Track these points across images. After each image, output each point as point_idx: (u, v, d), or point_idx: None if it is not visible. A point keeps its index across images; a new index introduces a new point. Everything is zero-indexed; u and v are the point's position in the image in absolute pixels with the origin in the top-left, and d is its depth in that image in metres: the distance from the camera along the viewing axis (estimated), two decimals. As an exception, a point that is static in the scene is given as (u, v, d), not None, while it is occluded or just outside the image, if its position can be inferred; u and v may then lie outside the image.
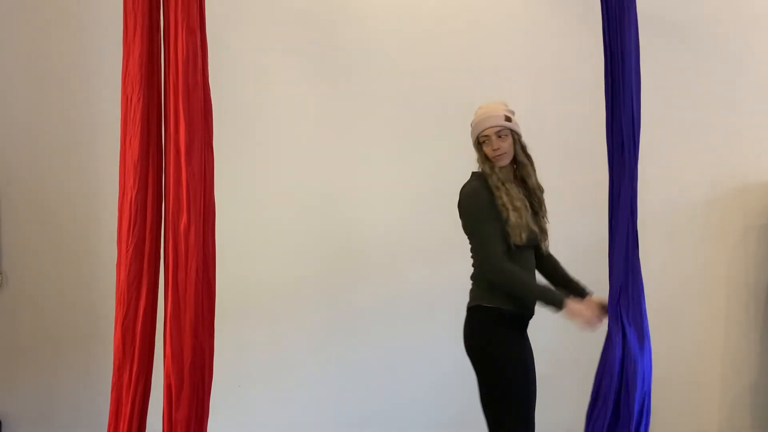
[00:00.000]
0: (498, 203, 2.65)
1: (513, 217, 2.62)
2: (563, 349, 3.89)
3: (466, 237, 4.07)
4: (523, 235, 2.62)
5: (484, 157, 2.75)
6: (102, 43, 3.91)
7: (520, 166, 2.76)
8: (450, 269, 3.94)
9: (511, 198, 2.66)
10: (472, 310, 2.80)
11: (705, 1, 3.89)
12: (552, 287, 2.74)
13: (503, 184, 2.68)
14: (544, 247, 2.77)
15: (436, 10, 3.95)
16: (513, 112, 2.78)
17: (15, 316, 3.95)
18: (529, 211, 2.69)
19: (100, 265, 3.85)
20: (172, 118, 2.64)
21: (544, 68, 3.95)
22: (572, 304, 2.61)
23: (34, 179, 3.96)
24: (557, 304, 2.61)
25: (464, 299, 3.93)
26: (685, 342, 3.89)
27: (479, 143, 2.77)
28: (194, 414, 2.66)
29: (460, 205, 2.75)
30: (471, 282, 2.83)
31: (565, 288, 2.79)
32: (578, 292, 2.78)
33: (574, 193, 3.85)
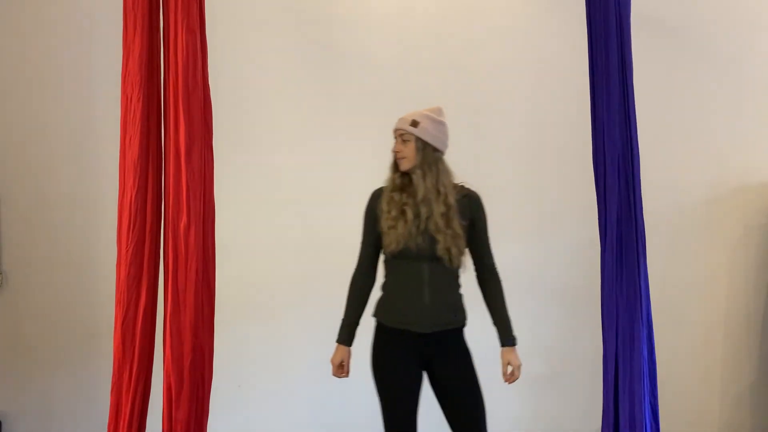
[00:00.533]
0: (378, 210, 2.66)
1: (386, 225, 2.62)
2: (564, 348, 3.89)
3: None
4: (394, 246, 2.58)
5: (393, 161, 2.75)
6: (102, 43, 3.91)
7: (413, 176, 2.66)
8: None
9: (390, 206, 2.63)
10: None
11: (705, 2, 3.89)
12: (352, 320, 2.78)
13: (390, 190, 2.67)
14: (452, 264, 2.65)
15: (433, 10, 3.95)
16: (436, 121, 2.70)
17: (15, 316, 3.95)
18: (411, 221, 2.59)
19: (99, 266, 3.85)
20: (172, 118, 2.64)
21: (543, 68, 3.95)
22: (335, 351, 2.79)
23: (34, 180, 3.96)
24: (337, 338, 2.79)
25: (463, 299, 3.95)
26: (685, 342, 3.89)
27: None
28: (194, 414, 2.67)
29: None
30: None
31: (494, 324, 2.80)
32: (500, 335, 2.85)
33: (573, 193, 3.85)
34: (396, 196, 2.63)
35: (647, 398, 3.02)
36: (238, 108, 3.91)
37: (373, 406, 3.96)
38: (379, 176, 3.97)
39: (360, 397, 3.95)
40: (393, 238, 2.57)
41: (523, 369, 3.92)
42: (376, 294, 2.75)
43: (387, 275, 2.71)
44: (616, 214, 3.01)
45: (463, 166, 3.95)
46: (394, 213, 2.60)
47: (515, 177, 3.92)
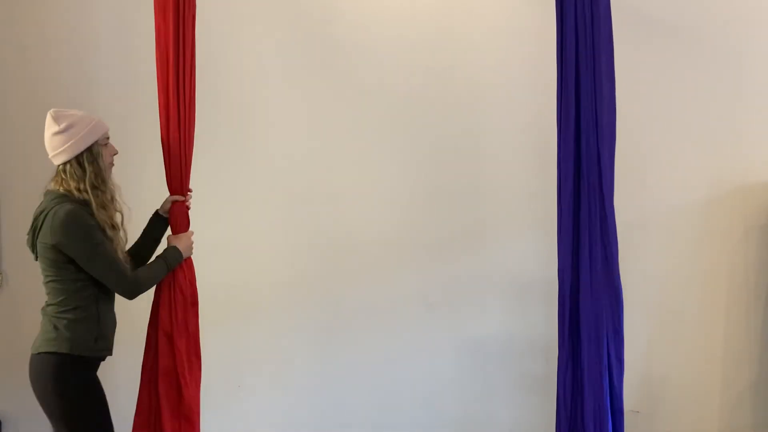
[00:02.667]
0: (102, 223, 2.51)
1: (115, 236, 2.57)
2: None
3: (461, 236, 4.09)
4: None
5: (97, 169, 2.52)
6: (102, 43, 3.92)
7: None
8: (448, 269, 3.95)
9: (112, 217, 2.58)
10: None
11: (705, 1, 3.89)
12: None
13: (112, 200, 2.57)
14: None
15: (432, 9, 3.95)
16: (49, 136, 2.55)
17: (15, 316, 3.95)
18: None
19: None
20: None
21: (544, 68, 3.94)
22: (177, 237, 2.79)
23: (34, 180, 3.94)
24: (175, 254, 2.73)
25: (462, 299, 3.95)
26: (685, 342, 3.89)
27: (91, 151, 2.51)
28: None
29: (59, 232, 2.42)
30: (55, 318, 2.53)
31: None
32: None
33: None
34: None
35: (609, 411, 2.99)
36: (233, 109, 3.91)
37: (372, 406, 3.98)
38: (379, 175, 3.99)
39: (359, 396, 3.95)
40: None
41: (524, 369, 3.94)
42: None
43: (93, 303, 2.53)
44: (572, 200, 2.99)
45: (463, 166, 3.97)
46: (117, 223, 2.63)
47: (515, 177, 3.92)
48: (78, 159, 2.48)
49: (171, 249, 2.75)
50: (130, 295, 2.56)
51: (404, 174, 3.95)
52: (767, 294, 3.87)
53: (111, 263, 2.48)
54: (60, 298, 2.49)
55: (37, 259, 2.53)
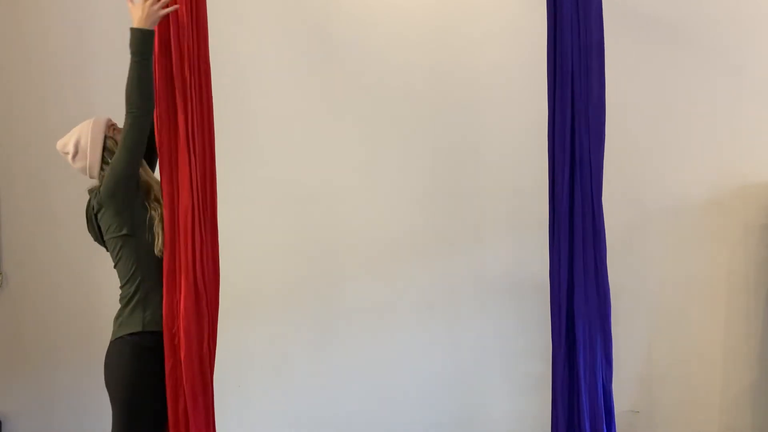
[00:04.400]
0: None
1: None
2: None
3: (461, 236, 4.09)
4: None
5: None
6: (103, 43, 3.92)
7: None
8: (446, 269, 3.95)
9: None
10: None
11: (704, 1, 3.89)
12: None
13: None
14: None
15: (433, 9, 3.95)
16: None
17: (15, 316, 3.95)
18: None
19: (99, 265, 3.84)
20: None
21: (543, 68, 3.94)
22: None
23: (34, 179, 3.96)
24: (145, 36, 2.47)
25: (461, 299, 3.96)
26: (685, 342, 3.89)
27: (107, 148, 2.60)
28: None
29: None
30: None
31: None
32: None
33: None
34: None
35: (603, 412, 2.99)
36: (237, 105, 3.90)
37: (371, 406, 3.98)
38: (379, 175, 3.99)
39: (358, 395, 3.95)
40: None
41: (523, 369, 3.95)
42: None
43: (157, 276, 2.55)
44: (567, 203, 2.99)
45: (463, 166, 3.97)
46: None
47: (515, 177, 3.92)
48: (104, 161, 2.60)
49: (131, 31, 2.49)
50: (137, 118, 2.46)
51: (403, 174, 3.95)
52: (767, 294, 3.87)
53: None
54: (128, 276, 2.54)
55: (108, 249, 2.63)
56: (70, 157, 2.61)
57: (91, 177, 2.63)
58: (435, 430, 3.95)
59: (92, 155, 2.58)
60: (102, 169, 2.59)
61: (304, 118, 3.95)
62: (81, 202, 3.90)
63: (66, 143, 2.62)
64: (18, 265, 3.95)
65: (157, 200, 2.61)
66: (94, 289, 3.90)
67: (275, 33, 3.95)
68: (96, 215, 2.58)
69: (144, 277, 2.54)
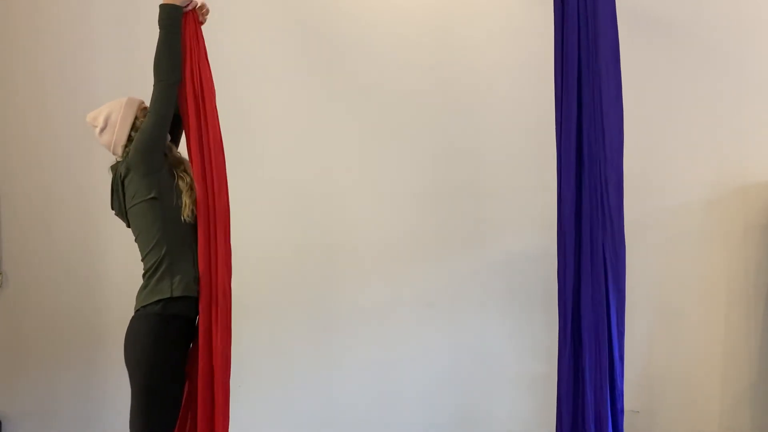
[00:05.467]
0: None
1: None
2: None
3: (462, 236, 4.09)
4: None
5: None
6: (104, 42, 3.92)
7: None
8: (448, 268, 3.95)
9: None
10: None
11: (705, 1, 3.89)
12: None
13: None
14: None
15: (433, 9, 3.95)
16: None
17: (15, 316, 3.95)
18: None
19: (100, 265, 3.85)
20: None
21: (544, 67, 3.94)
22: None
23: (34, 179, 3.96)
24: (171, 9, 2.57)
25: (462, 298, 3.96)
26: (685, 342, 3.89)
27: (135, 127, 2.65)
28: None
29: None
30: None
31: None
32: None
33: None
34: None
35: (610, 411, 2.99)
36: (229, 108, 3.90)
37: (371, 406, 3.98)
38: (380, 175, 3.99)
39: (359, 395, 3.95)
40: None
41: (524, 369, 3.94)
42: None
43: (184, 244, 2.61)
44: (573, 201, 2.99)
45: (464, 165, 3.97)
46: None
47: (515, 176, 3.92)
48: (130, 139, 2.62)
49: (159, 8, 2.59)
50: (166, 87, 2.56)
51: (404, 174, 3.95)
52: (767, 294, 3.87)
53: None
54: (152, 245, 2.56)
55: (128, 225, 2.65)
56: (98, 130, 2.64)
57: (114, 153, 2.66)
58: (435, 430, 3.95)
59: (120, 131, 2.62)
60: (126, 146, 2.62)
61: (304, 118, 3.96)
62: (81, 202, 3.92)
63: (96, 116, 2.65)
64: (18, 265, 3.95)
65: (186, 171, 2.67)
66: (95, 289, 3.90)
67: (276, 33, 3.95)
68: (123, 182, 2.59)
69: (169, 245, 2.56)
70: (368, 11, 3.95)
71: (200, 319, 2.63)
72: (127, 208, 2.61)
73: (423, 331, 3.94)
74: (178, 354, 2.58)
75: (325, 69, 3.96)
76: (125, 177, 2.58)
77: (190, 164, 2.69)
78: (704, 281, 3.89)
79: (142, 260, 2.62)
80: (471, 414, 3.95)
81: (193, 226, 2.64)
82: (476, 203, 3.93)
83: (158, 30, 2.59)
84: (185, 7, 2.63)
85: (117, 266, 3.87)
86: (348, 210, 3.97)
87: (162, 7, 2.60)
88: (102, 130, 2.63)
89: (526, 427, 3.88)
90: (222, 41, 3.85)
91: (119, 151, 2.63)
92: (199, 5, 2.70)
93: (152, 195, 2.54)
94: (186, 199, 2.61)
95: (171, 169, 2.64)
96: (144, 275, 2.60)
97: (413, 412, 3.94)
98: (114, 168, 2.67)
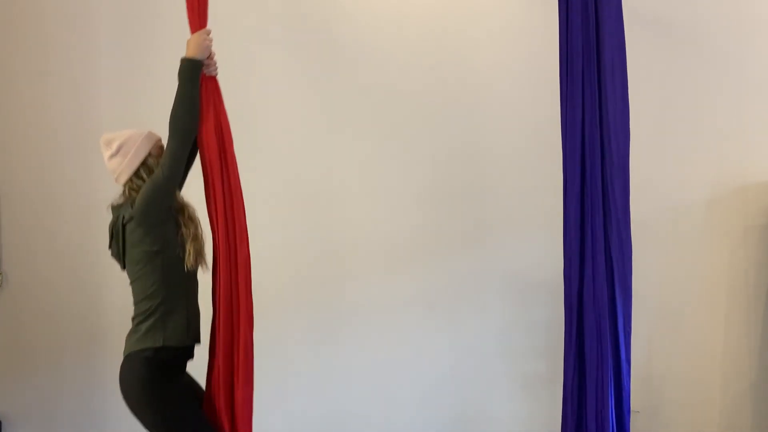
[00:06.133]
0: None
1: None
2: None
3: (463, 236, 4.09)
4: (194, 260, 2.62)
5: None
6: (104, 42, 3.92)
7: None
8: (449, 268, 3.95)
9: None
10: None
11: (705, 1, 3.89)
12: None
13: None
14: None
15: (433, 8, 3.95)
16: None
17: (15, 316, 3.95)
18: None
19: (100, 266, 3.85)
20: None
21: (545, 68, 3.94)
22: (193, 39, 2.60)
23: (34, 179, 3.96)
24: (194, 63, 2.57)
25: (460, 299, 3.96)
26: (685, 342, 3.89)
27: (147, 164, 2.61)
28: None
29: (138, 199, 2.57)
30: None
31: None
32: None
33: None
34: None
35: (613, 410, 2.99)
36: (238, 106, 3.89)
37: (371, 406, 3.98)
38: (381, 175, 3.99)
39: (359, 395, 3.95)
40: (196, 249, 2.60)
41: (526, 369, 3.94)
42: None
43: (181, 293, 2.59)
44: (578, 203, 2.99)
45: (466, 166, 3.97)
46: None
47: (517, 177, 3.92)
48: (137, 174, 2.59)
49: (181, 60, 2.59)
50: (183, 137, 2.54)
51: (406, 174, 3.95)
52: (767, 294, 3.88)
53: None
54: (148, 293, 2.53)
55: (124, 268, 2.62)
56: (109, 154, 2.60)
57: (116, 181, 2.62)
58: (435, 430, 3.95)
59: (130, 163, 2.58)
60: (130, 179, 2.58)
61: (304, 118, 3.95)
62: (81, 202, 3.92)
63: (111, 140, 2.61)
64: (18, 265, 3.94)
65: (191, 219, 2.63)
66: (95, 289, 3.90)
67: (277, 34, 3.95)
68: (125, 226, 2.55)
69: (165, 295, 2.53)
70: (369, 11, 3.95)
71: (220, 370, 2.59)
72: (126, 253, 2.58)
73: (423, 331, 3.94)
74: (177, 382, 2.58)
75: (326, 70, 3.96)
76: (128, 223, 2.54)
77: (193, 209, 2.66)
78: (704, 281, 3.89)
79: (135, 305, 2.59)
80: (471, 414, 3.95)
81: (194, 274, 2.62)
82: (477, 203, 3.93)
83: (177, 80, 2.57)
84: (205, 60, 2.63)
85: (117, 266, 3.86)
86: (348, 210, 3.97)
87: (182, 60, 2.58)
88: (112, 155, 2.59)
89: (526, 427, 3.88)
90: (223, 42, 3.85)
91: (122, 180, 2.60)
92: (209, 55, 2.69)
93: (156, 248, 2.52)
94: (189, 248, 2.56)
95: (175, 216, 2.59)
96: (134, 319, 2.58)
97: (413, 412, 3.94)
98: (115, 210, 2.62)
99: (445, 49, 3.93)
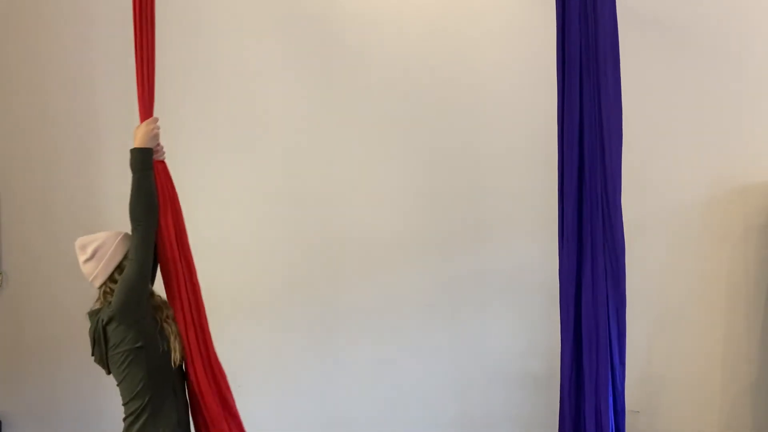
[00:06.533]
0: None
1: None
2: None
3: (462, 236, 4.09)
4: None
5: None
6: (104, 44, 3.92)
7: None
8: (448, 269, 3.95)
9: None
10: None
11: (705, 1, 3.89)
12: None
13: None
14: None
15: (433, 8, 3.95)
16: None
17: (15, 316, 3.95)
18: None
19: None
20: None
21: (545, 68, 3.94)
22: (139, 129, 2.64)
23: (34, 179, 3.96)
24: (145, 152, 2.59)
25: (461, 299, 3.95)
26: (685, 342, 3.89)
27: (121, 267, 2.60)
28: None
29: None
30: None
31: None
32: None
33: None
34: None
35: (612, 412, 2.99)
36: (226, 108, 3.91)
37: (370, 406, 3.98)
38: (379, 175, 3.99)
39: (359, 396, 3.95)
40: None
41: (524, 370, 3.94)
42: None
43: (167, 388, 2.60)
44: (575, 204, 2.98)
45: (464, 166, 3.97)
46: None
47: (516, 177, 3.92)
48: (111, 278, 2.59)
49: (131, 152, 2.61)
50: (144, 231, 2.54)
51: (404, 174, 3.95)
52: (767, 294, 3.87)
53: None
54: (135, 391, 2.53)
55: (109, 372, 2.62)
56: (84, 258, 2.60)
57: (92, 284, 2.63)
58: (435, 429, 3.95)
59: (105, 267, 2.58)
60: (105, 284, 2.59)
61: (304, 118, 3.96)
62: (81, 202, 3.92)
63: (86, 244, 2.61)
64: (18, 265, 3.95)
65: (169, 316, 2.63)
66: (94, 289, 3.89)
67: (276, 33, 3.95)
68: (105, 328, 2.54)
69: (153, 392, 2.53)
70: (368, 11, 3.95)
71: None
72: (109, 357, 2.57)
73: (423, 331, 3.94)
74: None
75: (325, 69, 3.96)
76: (108, 324, 2.53)
77: (170, 307, 2.66)
78: (704, 281, 3.89)
79: (124, 405, 2.59)
80: (471, 414, 3.95)
81: (179, 368, 2.63)
82: (477, 203, 3.93)
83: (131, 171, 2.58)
84: (154, 147, 2.64)
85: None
86: (347, 210, 3.97)
87: (132, 151, 2.60)
88: (87, 260, 2.59)
89: (526, 427, 3.88)
90: (222, 42, 3.86)
91: (97, 283, 2.60)
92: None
93: (138, 344, 2.51)
94: (175, 345, 2.58)
95: (152, 313, 2.59)
96: (125, 420, 2.58)
97: (413, 412, 3.94)
98: (93, 316, 2.61)
99: (445, 49, 3.93)
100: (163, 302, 2.67)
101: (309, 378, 3.95)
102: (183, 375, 2.67)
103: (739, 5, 3.87)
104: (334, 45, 3.95)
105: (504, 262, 3.94)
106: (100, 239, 2.61)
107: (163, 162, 2.71)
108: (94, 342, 2.60)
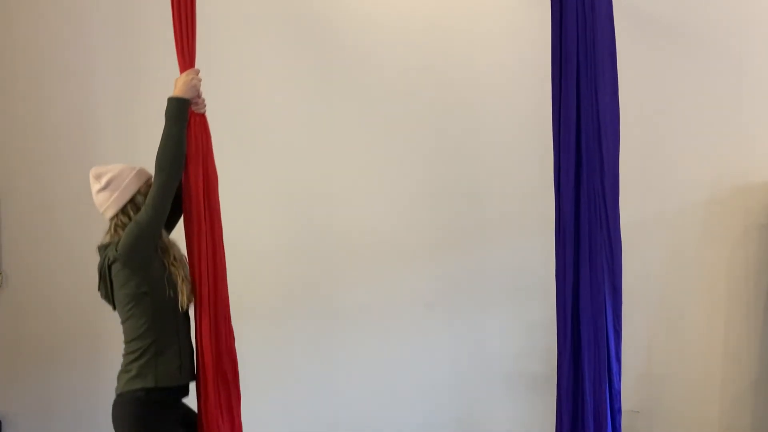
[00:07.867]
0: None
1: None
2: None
3: (461, 236, 4.09)
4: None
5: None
6: (104, 44, 3.92)
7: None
8: (447, 269, 3.95)
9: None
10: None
11: (705, 1, 3.89)
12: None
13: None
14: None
15: (432, 8, 3.95)
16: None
17: (15, 316, 3.95)
18: None
19: (100, 265, 3.84)
20: None
21: (545, 68, 3.94)
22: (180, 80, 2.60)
23: (34, 179, 3.96)
24: (181, 102, 2.56)
25: (460, 299, 3.95)
26: (685, 342, 3.89)
27: (134, 201, 2.59)
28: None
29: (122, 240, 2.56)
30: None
31: None
32: None
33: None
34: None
35: (609, 412, 2.99)
36: (227, 108, 3.90)
37: (370, 406, 3.98)
38: (378, 176, 3.99)
39: (358, 396, 3.95)
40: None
41: (524, 370, 3.94)
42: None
43: (173, 332, 2.59)
44: (572, 203, 2.98)
45: (463, 166, 3.97)
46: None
47: (515, 177, 3.92)
48: (124, 210, 2.57)
49: (168, 100, 2.59)
50: (168, 179, 2.51)
51: (404, 174, 3.95)
52: (767, 294, 3.87)
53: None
54: (139, 333, 2.52)
55: (114, 308, 2.61)
56: (97, 188, 2.58)
57: (103, 214, 2.61)
58: (435, 430, 3.95)
59: (117, 199, 2.56)
60: (117, 216, 2.57)
61: (303, 118, 3.96)
62: (81, 202, 3.92)
63: (101, 174, 2.59)
64: (18, 265, 3.95)
65: (176, 259, 2.61)
66: (95, 288, 3.88)
67: (275, 33, 3.95)
68: (110, 267, 2.54)
69: (157, 335, 2.52)
70: (369, 11, 3.95)
71: (209, 402, 2.64)
72: (114, 295, 2.57)
73: (423, 331, 3.94)
74: (171, 421, 2.57)
75: (324, 69, 3.96)
76: (113, 264, 2.53)
77: (179, 249, 2.64)
78: (704, 281, 3.89)
79: (125, 343, 2.58)
80: (471, 414, 3.95)
81: (185, 312, 2.62)
82: (476, 203, 3.93)
83: (164, 118, 2.56)
84: (193, 99, 2.62)
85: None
86: (347, 210, 3.97)
87: (169, 100, 2.58)
88: (100, 190, 2.57)
89: (526, 427, 3.88)
90: (222, 42, 3.85)
91: (108, 214, 2.58)
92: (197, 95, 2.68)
93: (143, 290, 2.50)
94: (182, 289, 2.56)
95: (161, 257, 2.57)
96: (125, 357, 2.57)
97: (413, 412, 3.94)
98: (102, 251, 2.60)
99: (445, 49, 3.93)
100: (171, 245, 2.64)
101: (308, 377, 3.95)
102: (188, 320, 2.65)
103: (739, 5, 3.87)
104: (335, 45, 3.95)
105: (503, 262, 3.94)
106: (116, 170, 2.59)
107: (202, 115, 2.67)
108: (100, 277, 2.61)
